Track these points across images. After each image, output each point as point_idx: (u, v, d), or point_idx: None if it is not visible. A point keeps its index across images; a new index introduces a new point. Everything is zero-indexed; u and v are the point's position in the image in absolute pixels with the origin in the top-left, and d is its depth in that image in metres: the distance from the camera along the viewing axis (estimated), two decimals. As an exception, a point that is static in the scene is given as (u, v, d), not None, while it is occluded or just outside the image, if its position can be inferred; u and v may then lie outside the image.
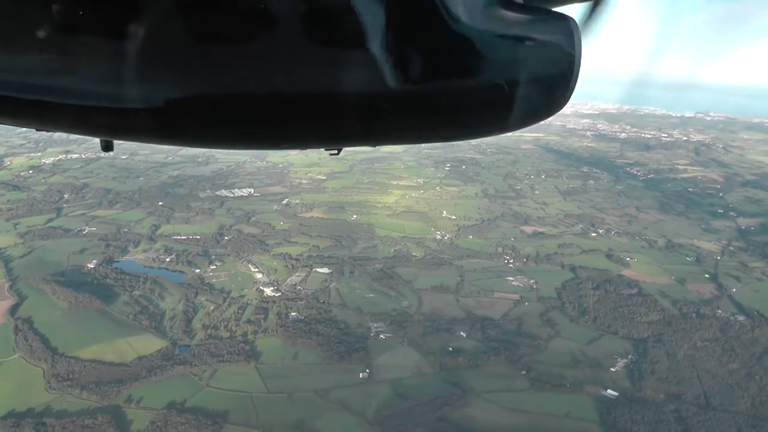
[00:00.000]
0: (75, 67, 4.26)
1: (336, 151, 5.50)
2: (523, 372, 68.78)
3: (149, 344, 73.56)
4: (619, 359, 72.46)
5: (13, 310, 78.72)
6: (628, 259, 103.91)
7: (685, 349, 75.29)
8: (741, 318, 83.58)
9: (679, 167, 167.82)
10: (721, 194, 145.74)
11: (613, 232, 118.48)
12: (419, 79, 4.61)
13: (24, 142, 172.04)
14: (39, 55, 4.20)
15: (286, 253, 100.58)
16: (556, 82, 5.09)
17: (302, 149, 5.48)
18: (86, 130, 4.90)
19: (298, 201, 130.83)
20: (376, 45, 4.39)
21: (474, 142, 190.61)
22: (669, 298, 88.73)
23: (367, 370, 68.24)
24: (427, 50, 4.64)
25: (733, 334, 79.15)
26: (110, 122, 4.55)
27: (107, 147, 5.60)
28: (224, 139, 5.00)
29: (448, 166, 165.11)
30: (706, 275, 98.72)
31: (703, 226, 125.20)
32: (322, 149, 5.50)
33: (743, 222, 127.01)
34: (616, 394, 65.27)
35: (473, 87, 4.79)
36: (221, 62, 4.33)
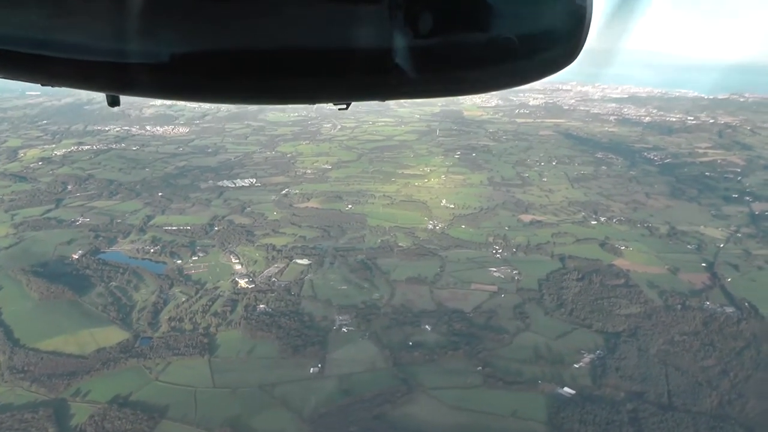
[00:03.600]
0: (80, 21, 4.20)
1: (345, 106, 5.50)
2: (479, 368, 66.26)
3: (112, 336, 73.69)
4: (585, 355, 69.28)
5: (-15, 301, 79.65)
6: (622, 248, 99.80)
7: (660, 344, 71.66)
8: (729, 310, 79.33)
9: (699, 151, 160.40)
10: (739, 178, 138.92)
11: (614, 220, 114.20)
12: (429, 33, 4.49)
13: (41, 134, 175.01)
14: (43, 10, 4.15)
15: (271, 244, 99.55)
16: (566, 36, 5.06)
17: (311, 104, 5.57)
18: (91, 85, 4.83)
19: (297, 191, 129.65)
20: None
21: (491, 129, 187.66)
22: (657, 289, 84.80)
23: (319, 365, 66.78)
24: (436, 4, 4.55)
25: (716, 327, 75.12)
26: (116, 77, 4.51)
27: (113, 102, 5.59)
28: (232, 93, 5.01)
29: (458, 154, 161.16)
30: (703, 264, 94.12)
31: (713, 211, 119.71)
32: (331, 104, 5.45)
33: (758, 207, 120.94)
34: (572, 392, 62.30)
35: (483, 41, 4.70)
36: (229, 17, 4.25)
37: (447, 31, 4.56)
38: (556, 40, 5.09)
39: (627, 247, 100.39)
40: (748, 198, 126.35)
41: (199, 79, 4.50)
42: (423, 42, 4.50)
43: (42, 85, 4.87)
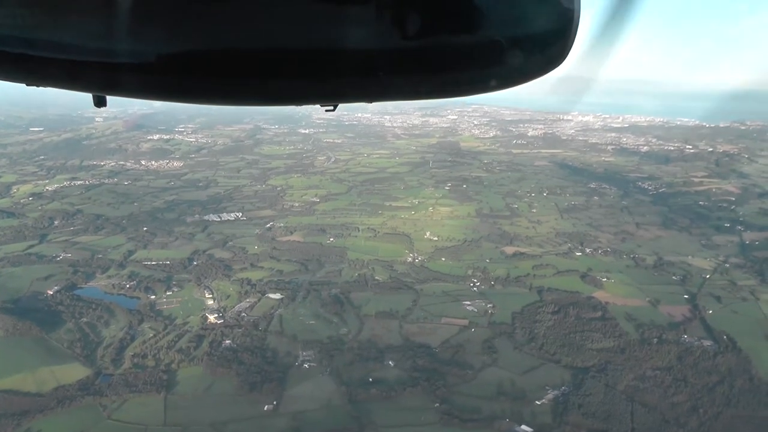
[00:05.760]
0: (65, 20, 4.10)
1: (332, 108, 5.52)
2: (437, 405, 64.40)
3: (73, 373, 72.37)
4: (549, 391, 67.20)
5: (-52, 338, 78.91)
6: (604, 279, 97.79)
7: (630, 379, 69.46)
8: (707, 343, 77.02)
9: (695, 180, 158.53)
10: (733, 207, 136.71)
11: (600, 251, 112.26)
12: (416, 34, 4.44)
13: (36, 169, 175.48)
14: (27, 8, 4.05)
15: (247, 279, 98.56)
16: (554, 39, 5.03)
17: (298, 105, 5.52)
18: (77, 86, 4.65)
19: (282, 224, 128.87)
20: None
21: (486, 160, 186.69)
22: (634, 322, 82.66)
23: (275, 402, 65.22)
24: (423, 5, 4.48)
25: (690, 361, 72.84)
26: (102, 77, 4.45)
27: (99, 103, 5.43)
28: (218, 94, 4.89)
29: (448, 186, 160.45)
30: (686, 296, 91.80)
31: (703, 241, 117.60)
32: (318, 105, 5.34)
33: (749, 236, 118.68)
34: (530, 430, 60.25)
35: (469, 43, 4.67)
36: (215, 17, 4.15)
37: (434, 32, 4.54)
38: (544, 43, 5.05)
39: (609, 279, 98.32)
40: (739, 227, 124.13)
41: (186, 79, 4.45)
42: (410, 43, 4.47)
43: (27, 85, 4.67)
